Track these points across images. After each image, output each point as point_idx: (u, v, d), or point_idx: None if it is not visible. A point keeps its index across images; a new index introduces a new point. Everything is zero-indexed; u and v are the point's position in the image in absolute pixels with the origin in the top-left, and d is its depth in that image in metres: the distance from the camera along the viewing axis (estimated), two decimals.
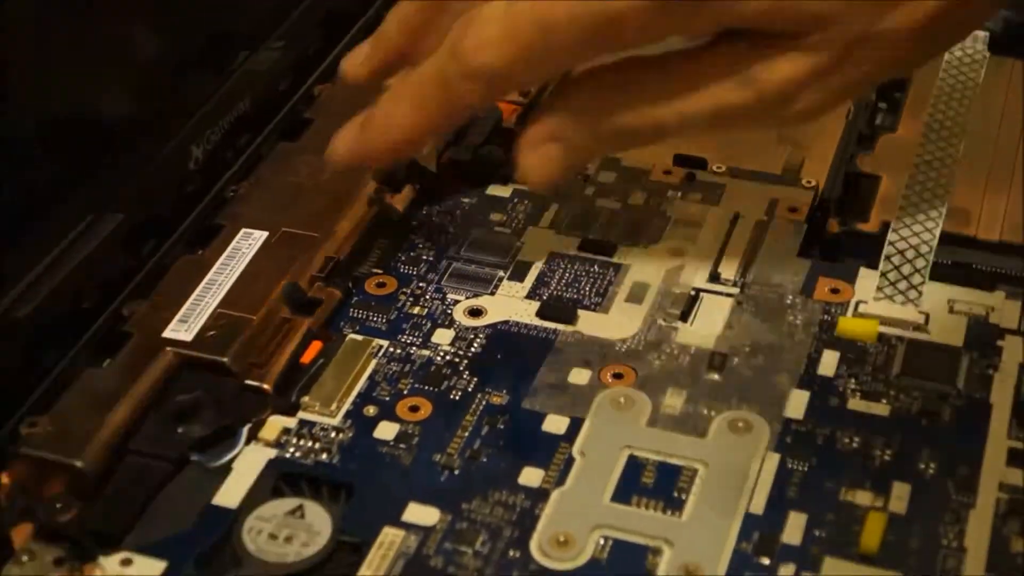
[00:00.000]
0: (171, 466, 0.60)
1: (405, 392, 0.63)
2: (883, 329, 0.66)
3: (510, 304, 0.68)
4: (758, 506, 0.58)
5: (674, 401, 0.63)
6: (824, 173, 0.75)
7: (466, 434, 0.61)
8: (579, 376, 0.64)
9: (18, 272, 0.63)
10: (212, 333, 0.65)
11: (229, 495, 0.59)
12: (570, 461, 0.60)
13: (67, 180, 0.66)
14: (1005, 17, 0.85)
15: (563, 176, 0.63)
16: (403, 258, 0.70)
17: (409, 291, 0.69)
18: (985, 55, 0.82)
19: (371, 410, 0.63)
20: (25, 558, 0.57)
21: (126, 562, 0.56)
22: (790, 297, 0.68)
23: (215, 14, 0.75)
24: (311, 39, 0.82)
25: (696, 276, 0.69)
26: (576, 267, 0.70)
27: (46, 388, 0.62)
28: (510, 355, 0.65)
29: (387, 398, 0.63)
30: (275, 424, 0.62)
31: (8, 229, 0.63)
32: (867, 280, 0.68)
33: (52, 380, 0.63)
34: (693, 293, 0.68)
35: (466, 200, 0.74)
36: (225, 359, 0.63)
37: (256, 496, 0.59)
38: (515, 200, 0.74)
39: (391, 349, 0.65)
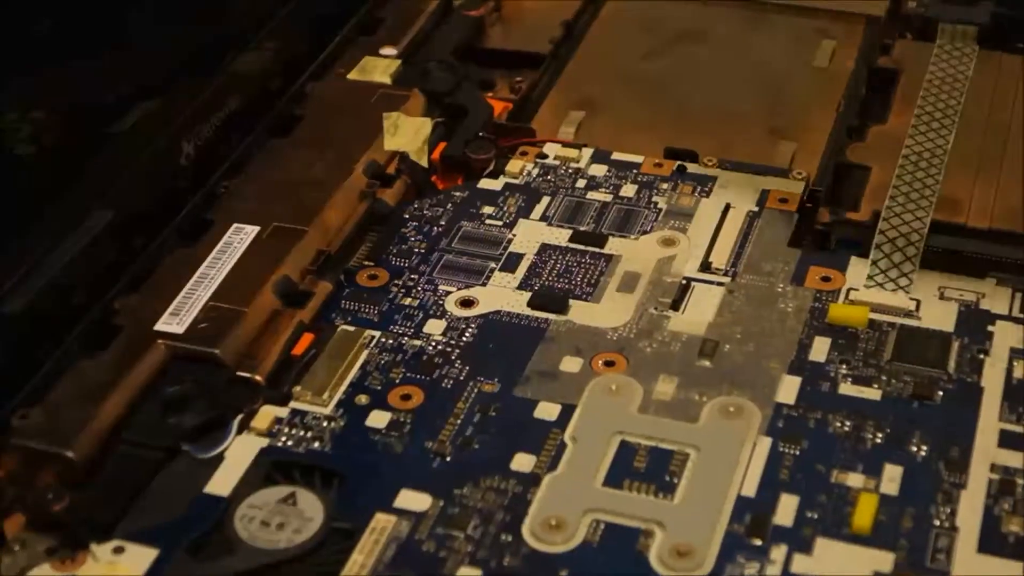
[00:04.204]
0: (162, 455, 0.60)
1: (397, 381, 0.63)
2: (874, 316, 0.66)
3: (502, 295, 0.68)
4: (750, 488, 0.58)
5: (666, 388, 0.63)
6: (815, 164, 0.75)
7: (458, 422, 0.61)
8: (571, 364, 0.64)
9: (11, 267, 0.63)
10: (204, 325, 0.65)
11: (221, 484, 0.59)
12: (562, 447, 0.60)
13: (59, 176, 0.66)
14: (994, 12, 0.85)
15: None
16: (394, 251, 0.70)
17: (401, 283, 0.69)
18: (974, 49, 0.83)
19: (363, 399, 0.62)
20: (17, 547, 0.57)
21: (118, 550, 0.56)
22: (781, 285, 0.68)
23: (207, 11, 0.75)
24: (302, 37, 0.82)
25: (687, 265, 0.69)
26: (568, 258, 0.70)
27: (38, 381, 0.62)
28: (502, 344, 0.65)
29: (379, 387, 0.63)
30: (267, 414, 0.62)
31: (1, 225, 0.63)
32: (858, 268, 0.68)
33: (44, 373, 0.62)
34: (684, 282, 0.68)
35: (457, 194, 0.74)
36: (217, 351, 0.63)
37: (248, 484, 0.59)
38: (506, 194, 0.74)
39: (383, 339, 0.65)
